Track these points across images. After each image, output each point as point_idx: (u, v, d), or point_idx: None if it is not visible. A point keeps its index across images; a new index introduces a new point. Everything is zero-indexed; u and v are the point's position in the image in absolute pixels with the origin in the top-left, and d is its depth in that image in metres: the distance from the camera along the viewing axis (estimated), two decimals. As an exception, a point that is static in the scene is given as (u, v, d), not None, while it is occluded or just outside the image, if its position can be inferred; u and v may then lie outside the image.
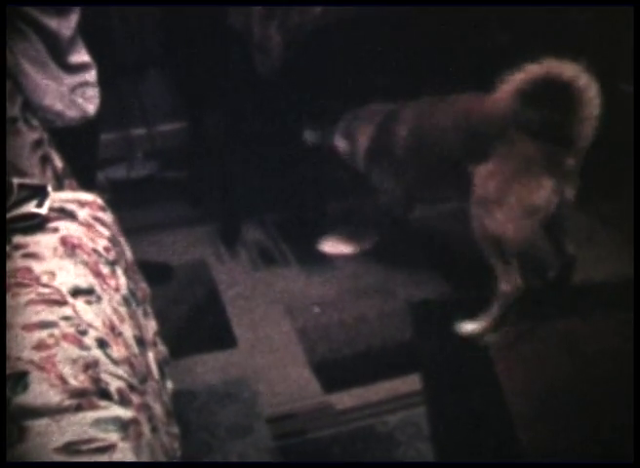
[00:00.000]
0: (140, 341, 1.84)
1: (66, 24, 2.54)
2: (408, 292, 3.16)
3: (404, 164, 3.12)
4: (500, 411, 2.53)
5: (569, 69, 2.50)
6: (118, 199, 3.00)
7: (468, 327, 2.90)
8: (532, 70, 2.53)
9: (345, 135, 3.37)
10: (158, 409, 1.73)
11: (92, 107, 2.72)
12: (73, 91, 2.61)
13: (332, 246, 3.54)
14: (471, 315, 2.92)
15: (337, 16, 3.27)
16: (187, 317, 3.07)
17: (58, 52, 2.54)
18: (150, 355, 1.95)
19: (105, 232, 2.05)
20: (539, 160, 2.66)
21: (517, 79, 2.55)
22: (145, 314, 2.13)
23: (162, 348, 2.21)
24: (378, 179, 3.27)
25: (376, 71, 3.38)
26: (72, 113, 2.60)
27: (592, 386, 2.59)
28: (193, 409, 2.52)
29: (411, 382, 2.68)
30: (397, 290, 3.19)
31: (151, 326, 2.17)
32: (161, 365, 2.07)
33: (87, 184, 2.56)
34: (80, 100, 2.64)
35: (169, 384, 2.12)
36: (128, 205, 3.52)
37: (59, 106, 2.54)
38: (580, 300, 3.00)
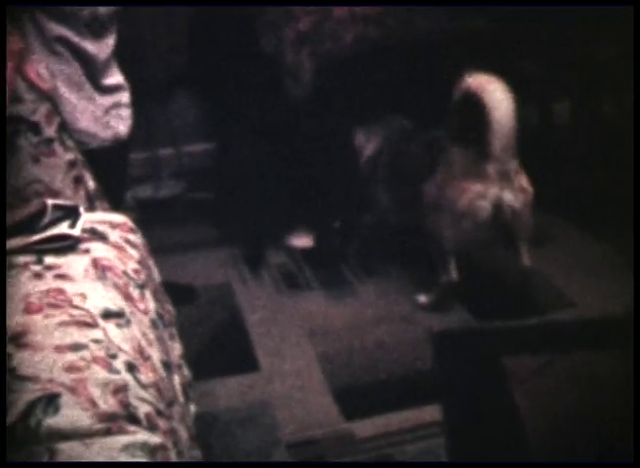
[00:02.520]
0: (167, 365, 1.85)
1: (103, 48, 2.58)
2: (429, 321, 3.15)
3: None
4: (520, 443, 2.52)
5: (478, 81, 2.79)
6: (144, 218, 3.02)
7: (422, 299, 3.21)
8: (458, 88, 2.86)
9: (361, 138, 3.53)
10: (183, 433, 1.73)
11: (124, 128, 2.75)
12: (107, 112, 2.64)
13: (295, 240, 3.74)
14: (493, 346, 2.92)
15: (368, 43, 3.29)
16: (210, 339, 3.07)
17: (94, 74, 2.58)
18: (176, 378, 1.95)
19: (135, 254, 2.06)
20: (462, 167, 2.91)
21: (455, 97, 2.89)
22: (171, 337, 2.14)
23: (186, 371, 2.22)
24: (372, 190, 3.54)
25: (405, 100, 3.40)
26: (106, 134, 2.63)
27: (612, 421, 2.57)
28: (214, 433, 2.51)
29: (431, 412, 2.65)
30: (419, 318, 3.18)
31: (177, 348, 2.18)
32: (185, 388, 2.08)
33: (115, 204, 2.58)
34: (114, 122, 2.68)
35: (192, 408, 2.13)
36: (153, 224, 3.54)
37: (93, 128, 2.57)
38: (598, 333, 2.99)
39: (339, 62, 3.28)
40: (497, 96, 2.74)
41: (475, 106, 2.77)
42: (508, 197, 2.89)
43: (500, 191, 2.88)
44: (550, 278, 3.38)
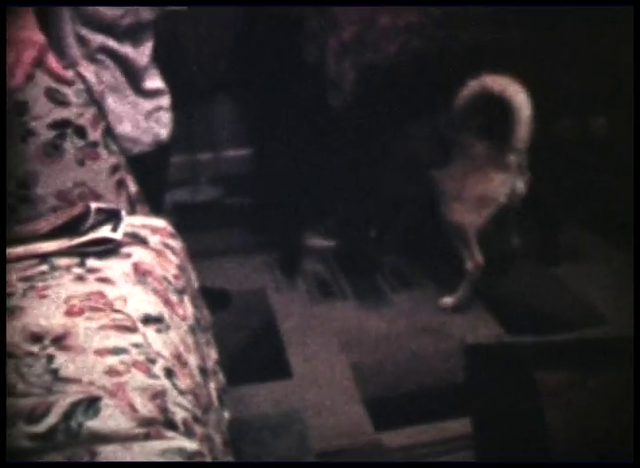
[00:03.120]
0: (204, 371, 1.86)
1: (143, 52, 2.60)
2: (462, 334, 3.15)
3: None
4: (550, 458, 2.51)
5: (498, 82, 3.05)
6: (180, 222, 3.04)
7: (447, 301, 3.35)
8: (472, 87, 3.10)
9: None
10: (218, 439, 1.74)
11: (165, 132, 2.76)
12: (149, 116, 2.66)
13: (313, 241, 3.83)
14: (524, 360, 2.92)
15: (411, 54, 3.30)
16: (244, 345, 3.09)
17: (134, 79, 2.60)
18: (212, 385, 1.97)
19: (175, 260, 2.08)
20: (485, 158, 3.16)
21: (462, 95, 3.12)
22: (208, 343, 2.15)
23: (221, 377, 2.23)
24: None
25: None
26: (147, 139, 2.64)
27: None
28: (246, 439, 2.53)
29: (461, 425, 2.65)
30: (452, 330, 3.18)
31: (212, 354, 2.19)
32: (220, 394, 2.09)
33: (155, 207, 2.60)
34: (155, 126, 2.69)
35: (226, 414, 2.14)
36: (190, 228, 3.55)
37: (135, 133, 2.59)
38: (630, 350, 2.97)
39: (381, 73, 3.30)
40: (520, 96, 3.01)
41: (492, 104, 3.05)
42: (520, 185, 3.20)
43: (514, 179, 3.18)
44: (582, 294, 3.37)
